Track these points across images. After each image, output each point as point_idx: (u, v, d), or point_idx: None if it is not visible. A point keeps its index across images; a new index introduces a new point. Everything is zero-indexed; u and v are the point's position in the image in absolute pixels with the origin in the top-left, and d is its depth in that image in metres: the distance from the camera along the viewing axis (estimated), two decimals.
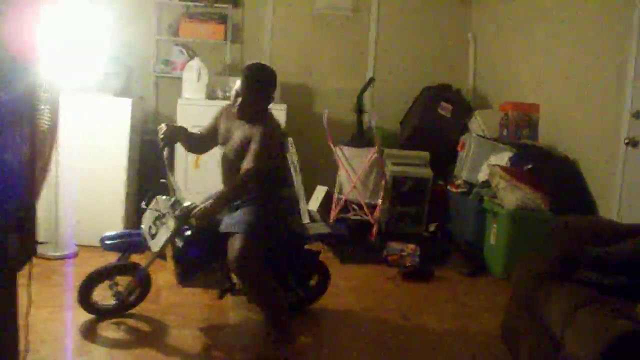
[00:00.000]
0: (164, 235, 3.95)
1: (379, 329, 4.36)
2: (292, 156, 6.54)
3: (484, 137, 6.40)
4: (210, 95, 6.49)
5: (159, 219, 4.02)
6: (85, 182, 5.42)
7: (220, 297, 4.27)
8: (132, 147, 5.72)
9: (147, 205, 4.14)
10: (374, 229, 6.21)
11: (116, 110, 5.54)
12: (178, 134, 4.13)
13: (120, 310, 4.18)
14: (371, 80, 6.98)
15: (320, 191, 6.73)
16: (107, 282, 4.10)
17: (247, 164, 3.80)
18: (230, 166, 4.02)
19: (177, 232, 3.92)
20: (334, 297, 4.84)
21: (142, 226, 4.15)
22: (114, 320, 4.13)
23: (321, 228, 4.76)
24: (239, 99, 3.87)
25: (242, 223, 3.85)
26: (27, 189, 2.65)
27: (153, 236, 4.03)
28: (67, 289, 4.52)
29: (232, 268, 3.88)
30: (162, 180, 4.15)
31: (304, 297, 4.49)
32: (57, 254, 5.20)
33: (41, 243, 5.29)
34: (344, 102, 7.06)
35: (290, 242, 4.22)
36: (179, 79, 6.53)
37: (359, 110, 6.76)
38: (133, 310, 4.22)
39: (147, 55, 6.96)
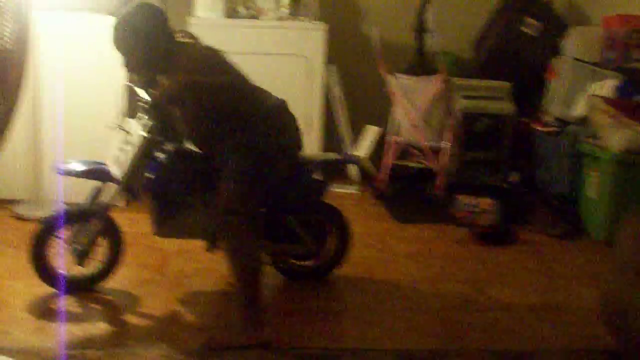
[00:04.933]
0: (130, 152, 3.85)
1: (445, 304, 4.27)
2: (334, 88, 6.48)
3: (581, 61, 6.24)
4: (231, 14, 6.38)
5: (126, 142, 3.92)
6: (73, 124, 5.36)
7: (209, 248, 4.18)
8: None
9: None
10: (439, 180, 6.12)
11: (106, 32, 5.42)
12: None
13: (91, 280, 4.12)
14: None
15: (371, 133, 6.60)
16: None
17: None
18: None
19: (148, 148, 3.82)
20: (388, 264, 4.78)
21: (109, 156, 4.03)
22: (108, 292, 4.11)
23: (328, 156, 4.73)
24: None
25: (232, 165, 3.74)
26: None
27: (120, 164, 3.94)
28: None
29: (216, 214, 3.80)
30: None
31: (315, 254, 4.37)
32: (40, 214, 5.13)
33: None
34: (400, 20, 6.90)
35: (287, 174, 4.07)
36: None
37: (420, 29, 6.62)
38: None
39: None
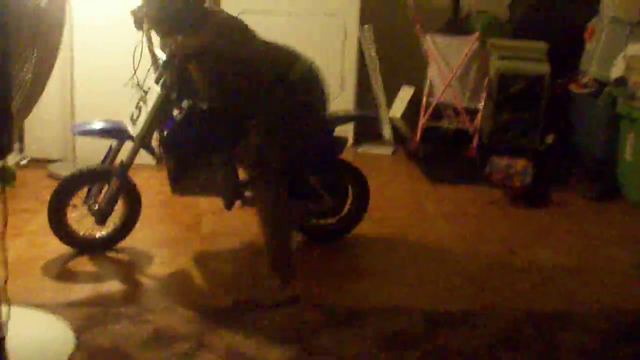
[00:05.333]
0: (146, 110, 3.86)
1: (478, 265, 4.25)
2: (371, 49, 6.44)
3: (620, 20, 6.09)
4: None
5: (143, 99, 3.93)
6: (109, 82, 5.34)
7: (228, 206, 4.19)
8: None
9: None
10: (474, 141, 6.08)
11: None
12: None
13: (109, 240, 4.13)
14: None
15: (405, 93, 6.60)
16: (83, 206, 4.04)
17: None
18: None
19: (163, 105, 3.83)
20: (421, 224, 4.78)
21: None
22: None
23: (346, 112, 4.76)
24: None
25: (261, 120, 3.77)
26: None
27: (136, 122, 3.94)
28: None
29: (249, 168, 3.84)
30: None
31: (335, 212, 4.37)
32: None
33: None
34: None
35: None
36: None
37: None
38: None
39: None
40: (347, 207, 4.41)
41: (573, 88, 6.23)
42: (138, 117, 3.92)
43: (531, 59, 6.31)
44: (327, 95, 3.98)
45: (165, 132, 3.90)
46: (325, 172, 4.29)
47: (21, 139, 5.52)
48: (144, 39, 3.96)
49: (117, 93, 5.27)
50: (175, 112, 3.90)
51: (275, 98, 3.76)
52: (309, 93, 3.89)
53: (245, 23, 3.80)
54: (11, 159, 5.22)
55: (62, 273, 3.86)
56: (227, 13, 3.87)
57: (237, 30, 3.76)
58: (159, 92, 3.81)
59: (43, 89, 3.93)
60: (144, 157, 4.34)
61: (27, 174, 5.22)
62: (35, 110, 3.34)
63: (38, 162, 5.43)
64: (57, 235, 4.01)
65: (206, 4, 3.80)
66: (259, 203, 3.81)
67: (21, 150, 5.53)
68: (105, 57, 5.36)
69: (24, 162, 5.45)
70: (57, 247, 4.07)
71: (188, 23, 3.69)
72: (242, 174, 4.10)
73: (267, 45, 3.82)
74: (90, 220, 4.04)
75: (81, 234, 4.08)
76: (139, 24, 3.95)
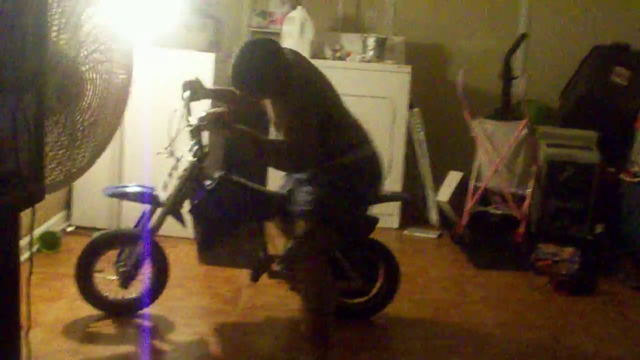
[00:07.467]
0: (176, 178, 3.91)
1: (520, 350, 4.17)
2: (419, 133, 6.46)
3: None
4: (317, 54, 6.42)
5: (175, 167, 3.99)
6: (156, 155, 5.41)
7: (254, 278, 4.16)
8: None
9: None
10: (521, 227, 6.00)
11: (195, 67, 5.50)
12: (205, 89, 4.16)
13: (136, 304, 4.13)
14: (523, 37, 6.71)
15: (453, 178, 6.57)
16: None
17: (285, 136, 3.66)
18: None
19: (194, 173, 3.86)
20: (463, 307, 4.71)
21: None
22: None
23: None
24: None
25: (307, 203, 3.72)
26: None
27: (166, 188, 4.00)
28: None
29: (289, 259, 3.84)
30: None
31: (363, 292, 4.31)
32: None
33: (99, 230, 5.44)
34: (486, 66, 6.86)
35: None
36: (279, 34, 6.49)
37: (507, 76, 6.55)
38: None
39: (240, 5, 6.97)
40: (376, 287, 4.35)
41: (624, 177, 6.17)
42: (168, 183, 3.97)
43: (581, 147, 6.28)
44: (381, 185, 3.98)
45: (195, 201, 3.93)
46: (354, 251, 4.25)
47: (68, 207, 5.63)
48: (184, 108, 4.07)
49: (165, 162, 5.39)
50: (207, 182, 3.93)
51: (330, 177, 3.74)
52: (371, 174, 3.88)
53: (325, 81, 3.81)
54: (57, 225, 5.32)
55: (87, 335, 3.88)
56: (306, 66, 3.84)
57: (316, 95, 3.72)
58: (190, 160, 3.87)
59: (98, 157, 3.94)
60: (188, 231, 4.37)
61: (72, 240, 5.27)
62: (83, 179, 3.40)
63: (84, 230, 5.49)
64: (82, 295, 4.04)
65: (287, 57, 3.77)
66: (300, 278, 3.78)
67: (68, 217, 5.63)
68: (155, 126, 5.41)
69: (70, 229, 5.54)
70: (93, 311, 4.09)
71: (276, 85, 3.67)
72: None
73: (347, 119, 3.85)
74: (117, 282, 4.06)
75: (107, 296, 4.10)
76: (186, 95, 4.06)
